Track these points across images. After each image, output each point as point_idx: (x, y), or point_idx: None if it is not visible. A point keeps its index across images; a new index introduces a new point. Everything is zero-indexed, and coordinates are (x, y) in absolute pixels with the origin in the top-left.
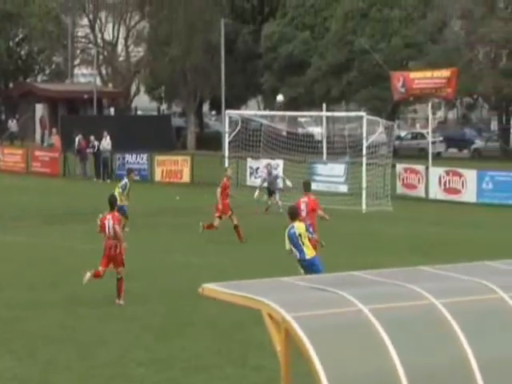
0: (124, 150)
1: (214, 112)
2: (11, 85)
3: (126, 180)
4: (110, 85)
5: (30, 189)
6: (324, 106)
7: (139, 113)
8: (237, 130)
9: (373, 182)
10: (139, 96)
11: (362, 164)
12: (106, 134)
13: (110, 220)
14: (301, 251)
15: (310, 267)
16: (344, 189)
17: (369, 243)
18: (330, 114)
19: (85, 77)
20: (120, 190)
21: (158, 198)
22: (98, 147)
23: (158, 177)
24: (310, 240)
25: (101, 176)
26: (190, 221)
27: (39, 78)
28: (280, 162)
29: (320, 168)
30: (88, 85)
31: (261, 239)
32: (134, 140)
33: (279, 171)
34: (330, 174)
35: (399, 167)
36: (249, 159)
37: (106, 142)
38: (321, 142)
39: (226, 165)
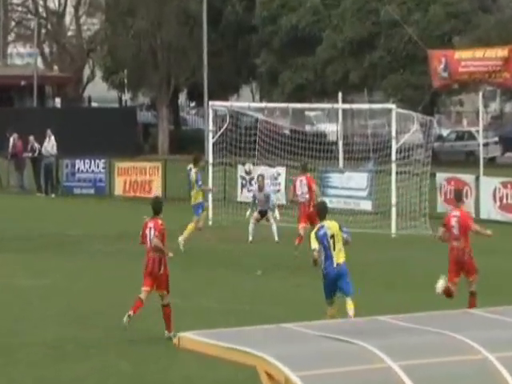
0: (74, 154)
1: (193, 104)
2: None
3: (191, 168)
4: (56, 68)
5: None
6: (340, 95)
7: (94, 105)
8: (224, 128)
9: (405, 197)
10: (94, 83)
11: (390, 173)
12: (49, 132)
13: (152, 229)
14: (328, 258)
15: (333, 279)
16: (367, 206)
17: (399, 277)
18: (347, 106)
19: (22, 57)
20: (197, 183)
21: (118, 218)
22: (40, 150)
23: (118, 190)
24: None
25: (43, 189)
26: None
27: None
28: (282, 171)
29: (335, 178)
30: (26, 68)
31: (255, 271)
32: (87, 141)
33: (270, 190)
34: (349, 187)
35: (440, 177)
36: (240, 166)
37: (50, 144)
38: (336, 143)
39: (210, 174)
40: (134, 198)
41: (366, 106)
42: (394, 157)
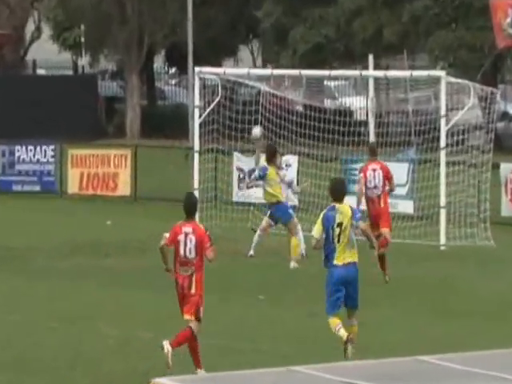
0: (12, 137)
1: (173, 71)
2: None
3: (264, 166)
4: None
5: None
6: (371, 59)
7: (40, 72)
8: (215, 103)
9: (459, 196)
10: (40, 43)
11: (438, 164)
12: None
13: (190, 235)
14: (330, 252)
15: (339, 281)
16: (407, 207)
17: (449, 302)
18: (381, 73)
19: None
20: (280, 179)
21: (73, 225)
22: None
23: (73, 186)
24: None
25: None
26: (131, 264)
27: None
28: (292, 160)
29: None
30: None
31: (256, 296)
32: (30, 120)
33: (291, 177)
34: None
35: (506, 169)
36: (237, 154)
37: None
38: (365, 123)
39: (196, 165)
40: (94, 198)
41: (405, 73)
42: (443, 142)
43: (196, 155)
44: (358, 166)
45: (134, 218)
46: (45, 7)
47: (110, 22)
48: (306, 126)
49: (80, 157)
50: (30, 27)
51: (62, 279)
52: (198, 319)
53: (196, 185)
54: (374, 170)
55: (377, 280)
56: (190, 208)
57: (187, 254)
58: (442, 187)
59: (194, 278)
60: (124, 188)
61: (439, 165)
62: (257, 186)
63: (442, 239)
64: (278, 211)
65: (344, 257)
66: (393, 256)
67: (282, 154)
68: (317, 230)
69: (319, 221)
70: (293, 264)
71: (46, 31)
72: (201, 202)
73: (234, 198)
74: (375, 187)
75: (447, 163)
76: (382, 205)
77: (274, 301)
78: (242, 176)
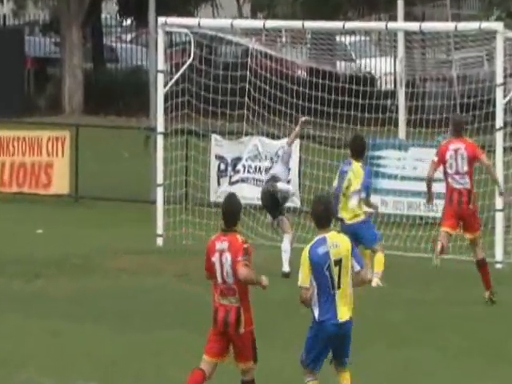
0: None
1: (128, 22)
2: None
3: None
4: None
5: None
6: (400, 5)
7: None
8: (185, 67)
9: None
10: None
11: (494, 150)
12: None
13: (226, 253)
14: (327, 301)
15: (329, 338)
16: None
17: (508, 344)
18: (414, 25)
19: None
20: (363, 193)
21: None
22: None
23: None
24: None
25: None
26: (69, 288)
27: None
28: (292, 145)
29: (391, 160)
30: None
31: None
32: None
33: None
34: (417, 175)
35: None
36: (216, 137)
37: None
38: (392, 93)
39: (159, 152)
40: (20, 197)
41: (448, 25)
42: (500, 120)
43: (160, 138)
44: (384, 152)
45: (73, 225)
46: None
47: None
48: (311, 99)
49: (0, 141)
50: None
51: None
52: (255, 361)
53: (160, 179)
54: (456, 151)
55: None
56: (229, 215)
57: (225, 278)
58: (500, 184)
59: (241, 311)
60: (60, 184)
61: (495, 151)
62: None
63: (499, 254)
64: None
65: (343, 309)
66: (431, 276)
67: (277, 137)
68: (303, 277)
69: (305, 259)
70: (376, 281)
71: None
72: (166, 203)
73: (212, 198)
74: (458, 174)
75: (504, 149)
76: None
77: (278, 342)
78: (222, 167)
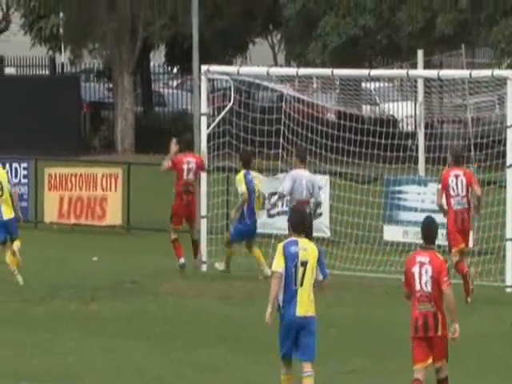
0: None
1: (175, 70)
2: None
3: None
4: None
5: None
6: (420, 55)
7: (10, 71)
8: (226, 110)
9: None
10: (9, 35)
11: (505, 185)
12: None
13: (426, 265)
14: (289, 297)
15: (292, 327)
16: None
17: None
18: (432, 72)
19: None
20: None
21: (49, 261)
22: None
23: (50, 213)
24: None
25: None
26: (123, 310)
27: None
28: (323, 181)
29: (412, 194)
30: None
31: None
32: None
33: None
34: (435, 208)
35: None
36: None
37: None
38: (413, 134)
39: (203, 185)
40: (76, 228)
41: (463, 72)
42: (510, 159)
43: (203, 175)
44: (405, 187)
45: (125, 253)
46: None
47: (96, 9)
48: (339, 139)
49: (59, 177)
50: None
51: (37, 328)
52: (447, 360)
53: (204, 212)
54: (457, 177)
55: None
56: (429, 235)
57: (423, 286)
58: (510, 214)
59: (438, 315)
60: (114, 216)
61: (505, 187)
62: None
63: (509, 279)
64: None
65: (303, 305)
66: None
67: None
68: (277, 264)
69: (280, 252)
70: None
71: (16, 20)
72: (209, 233)
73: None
74: (458, 196)
75: None
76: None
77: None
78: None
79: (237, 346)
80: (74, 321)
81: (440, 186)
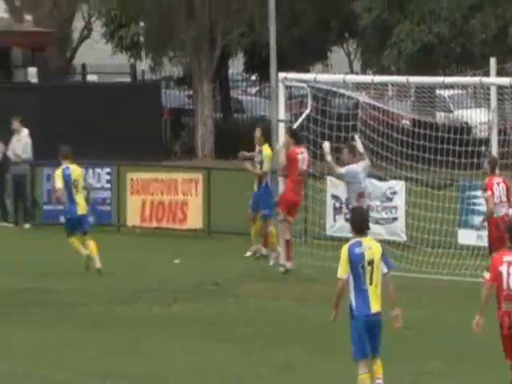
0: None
1: (252, 77)
2: None
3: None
4: (29, 18)
5: None
6: (493, 62)
7: (91, 78)
8: (304, 117)
9: None
10: (91, 43)
11: None
12: (18, 124)
13: None
14: (361, 297)
15: (368, 326)
16: None
17: None
18: (505, 80)
19: None
20: None
21: (133, 265)
22: (4, 153)
23: (133, 217)
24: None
25: (10, 215)
26: (204, 312)
27: None
28: (399, 187)
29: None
30: None
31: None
32: (80, 138)
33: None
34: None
35: None
36: (331, 179)
37: (21, 144)
38: (486, 141)
39: (280, 188)
40: (158, 231)
41: None
42: None
43: (280, 180)
44: (479, 193)
45: (206, 256)
46: (96, 0)
47: (175, 17)
48: (414, 146)
49: (141, 182)
50: (79, 24)
51: (122, 330)
52: None
53: (281, 216)
54: (498, 184)
55: None
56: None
57: (510, 286)
58: None
59: None
60: (195, 219)
61: None
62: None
63: None
64: None
65: (375, 302)
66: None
67: (384, 179)
68: (342, 270)
69: (345, 255)
70: None
71: (98, 29)
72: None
73: (328, 232)
74: (502, 202)
75: None
76: None
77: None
78: (337, 205)
79: (314, 346)
80: (157, 323)
81: (489, 193)
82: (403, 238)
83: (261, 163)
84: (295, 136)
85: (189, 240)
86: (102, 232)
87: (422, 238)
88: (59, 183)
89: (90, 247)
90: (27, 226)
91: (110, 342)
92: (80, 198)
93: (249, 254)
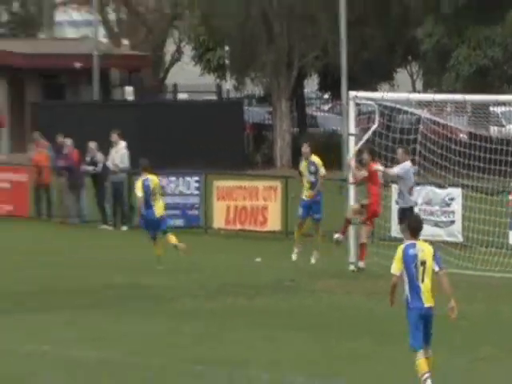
0: (154, 168)
1: (327, 95)
2: None
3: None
4: (126, 43)
5: None
6: None
7: (182, 96)
8: (372, 131)
9: None
10: (181, 65)
11: None
12: (117, 137)
13: None
14: (415, 293)
15: (422, 318)
16: None
17: None
18: None
19: (76, 27)
20: None
21: (219, 262)
22: (104, 163)
23: (218, 220)
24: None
25: (109, 219)
26: (283, 305)
27: None
28: (456, 193)
29: None
30: (83, 43)
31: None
32: (172, 150)
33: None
34: None
35: None
36: (396, 187)
37: (119, 155)
38: None
39: (351, 196)
40: (241, 233)
41: None
42: None
43: (351, 187)
44: None
45: (284, 255)
46: (186, 26)
47: (257, 42)
48: (470, 157)
49: (226, 189)
50: (170, 48)
51: (210, 321)
52: None
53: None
54: None
55: None
56: None
57: None
58: None
59: None
60: (274, 222)
61: None
62: None
63: None
64: None
65: (427, 297)
66: None
67: (443, 187)
68: (396, 267)
69: (399, 255)
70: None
71: (187, 52)
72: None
73: (393, 234)
74: None
75: None
76: None
77: (440, 343)
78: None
79: (380, 337)
80: (240, 314)
81: None
82: (460, 238)
83: (315, 172)
84: (373, 153)
85: (268, 241)
86: (191, 234)
87: (477, 239)
88: (139, 193)
89: (169, 238)
90: (124, 228)
91: (200, 331)
92: (157, 203)
93: (295, 257)
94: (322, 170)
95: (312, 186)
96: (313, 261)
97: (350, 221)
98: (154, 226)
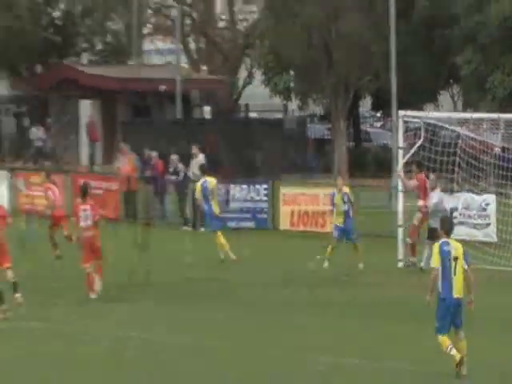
0: (228, 177)
1: (379, 114)
2: (38, 69)
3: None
4: (204, 68)
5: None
6: None
7: (253, 115)
8: (418, 145)
9: None
10: (252, 87)
11: None
12: (196, 150)
13: None
14: (447, 284)
15: (452, 307)
16: None
17: None
18: None
19: (161, 55)
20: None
21: (284, 259)
22: (185, 173)
23: (284, 222)
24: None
25: (189, 221)
26: (341, 296)
27: (85, 58)
28: (491, 200)
29: None
30: (167, 69)
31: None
32: (243, 161)
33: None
34: None
35: None
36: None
37: (198, 165)
38: None
39: (400, 202)
40: (304, 234)
41: None
42: None
43: (400, 194)
44: None
45: (341, 253)
46: (256, 53)
47: (318, 68)
48: (503, 168)
49: (291, 195)
50: (243, 73)
51: (270, 312)
52: None
53: (400, 222)
54: None
55: None
56: None
57: None
58: None
59: None
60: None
61: None
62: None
63: None
64: None
65: (458, 289)
66: None
67: (479, 194)
68: (435, 261)
69: (437, 252)
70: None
71: (258, 76)
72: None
73: None
74: None
75: None
76: None
77: (477, 329)
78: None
79: (422, 321)
80: (301, 305)
81: None
82: (495, 239)
83: (348, 201)
84: (420, 166)
85: (328, 240)
86: (260, 234)
87: (510, 239)
88: (198, 194)
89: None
90: (202, 229)
91: (265, 320)
92: (215, 203)
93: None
94: (352, 199)
95: (345, 214)
96: (361, 266)
97: (414, 245)
98: (212, 223)
